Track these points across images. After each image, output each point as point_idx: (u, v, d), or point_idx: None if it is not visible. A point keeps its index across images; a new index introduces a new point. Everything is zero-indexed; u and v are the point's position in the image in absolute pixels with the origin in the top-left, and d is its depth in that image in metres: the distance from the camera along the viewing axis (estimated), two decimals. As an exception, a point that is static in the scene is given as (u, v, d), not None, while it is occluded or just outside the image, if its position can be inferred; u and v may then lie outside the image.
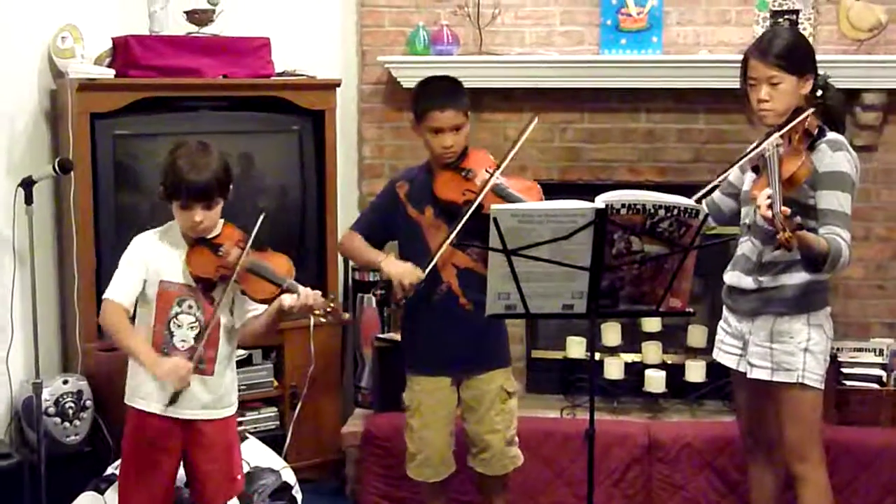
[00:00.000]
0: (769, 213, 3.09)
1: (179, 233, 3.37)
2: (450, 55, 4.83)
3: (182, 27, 4.64)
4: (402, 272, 3.61)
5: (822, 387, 3.50)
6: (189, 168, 3.24)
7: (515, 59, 4.88)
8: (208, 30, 4.65)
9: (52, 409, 4.10)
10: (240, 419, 4.57)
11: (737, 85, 3.56)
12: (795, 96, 3.43)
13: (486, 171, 3.65)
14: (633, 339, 4.98)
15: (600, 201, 2.99)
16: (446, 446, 3.84)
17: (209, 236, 3.34)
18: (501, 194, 3.60)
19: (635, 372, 4.90)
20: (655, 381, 4.79)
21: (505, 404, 3.81)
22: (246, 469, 4.19)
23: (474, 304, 3.67)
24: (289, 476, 4.25)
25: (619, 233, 3.02)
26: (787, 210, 3.07)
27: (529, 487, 4.38)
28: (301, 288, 3.30)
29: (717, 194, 3.70)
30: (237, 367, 4.54)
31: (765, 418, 3.66)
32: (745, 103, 3.54)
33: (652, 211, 3.00)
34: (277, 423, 4.75)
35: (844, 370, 4.55)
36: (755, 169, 3.44)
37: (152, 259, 3.35)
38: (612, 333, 4.93)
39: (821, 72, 3.49)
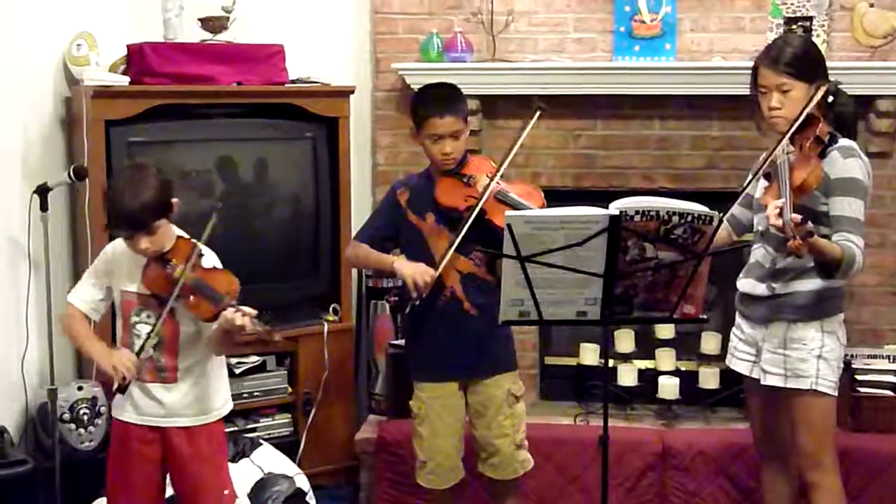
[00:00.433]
0: (779, 222, 3.09)
1: None
2: (463, 62, 4.84)
3: (196, 34, 4.66)
4: (415, 271, 3.60)
5: (836, 394, 3.49)
6: (117, 202, 3.19)
7: (529, 66, 4.88)
8: (222, 37, 4.66)
9: (66, 416, 4.11)
10: (253, 425, 4.62)
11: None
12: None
13: (487, 176, 3.65)
14: (646, 346, 4.98)
15: (614, 208, 2.99)
16: (455, 453, 3.83)
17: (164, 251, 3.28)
18: (504, 199, 3.60)
19: (649, 379, 4.90)
20: (669, 387, 4.79)
21: (513, 408, 3.81)
22: (259, 475, 4.20)
23: (478, 308, 3.68)
24: (303, 482, 4.26)
25: (633, 239, 3.02)
26: (798, 217, 3.07)
27: (543, 494, 4.39)
28: (236, 310, 3.14)
29: (735, 207, 3.69)
30: (250, 374, 4.61)
31: (778, 425, 3.65)
32: (755, 110, 3.54)
33: (666, 217, 3.00)
34: (291, 429, 4.75)
35: (858, 377, 4.54)
36: (767, 176, 3.43)
37: (116, 268, 3.36)
38: (625, 340, 4.92)
39: (832, 78, 3.49)
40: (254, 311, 3.14)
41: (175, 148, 4.51)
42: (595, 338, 4.89)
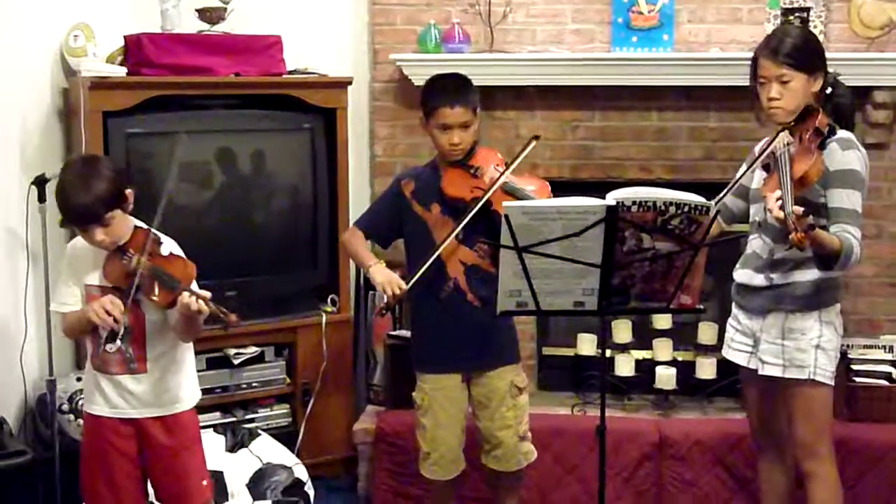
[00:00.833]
0: (781, 214, 3.09)
1: None
2: (461, 53, 4.83)
3: (194, 25, 4.65)
4: (386, 281, 3.61)
5: (833, 383, 3.50)
6: (68, 195, 3.16)
7: (526, 56, 4.88)
8: (220, 28, 4.66)
9: (65, 407, 4.12)
10: (252, 416, 4.63)
11: (748, 83, 3.57)
12: (806, 94, 3.42)
13: (496, 168, 3.66)
14: (643, 337, 4.98)
15: (611, 198, 3.00)
16: (458, 444, 3.84)
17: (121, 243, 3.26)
18: (511, 192, 3.60)
19: (646, 369, 4.90)
20: (666, 378, 4.80)
21: (516, 400, 3.82)
22: (258, 466, 4.21)
23: (481, 300, 3.69)
24: (301, 472, 4.27)
25: (631, 230, 3.03)
26: (800, 209, 3.07)
27: (540, 484, 4.40)
28: (192, 294, 3.12)
29: (728, 198, 3.70)
30: (248, 365, 4.62)
31: (775, 415, 3.67)
32: (754, 101, 3.55)
33: (663, 208, 3.01)
34: (290, 419, 4.76)
35: (855, 367, 4.55)
36: (766, 167, 3.44)
37: (77, 263, 3.35)
38: (622, 330, 4.93)
39: (830, 69, 3.50)
40: (208, 294, 3.12)
41: (172, 139, 4.50)
42: (592, 328, 4.89)
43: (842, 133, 3.43)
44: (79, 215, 3.17)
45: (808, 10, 4.69)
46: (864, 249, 3.35)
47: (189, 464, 3.44)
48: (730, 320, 3.73)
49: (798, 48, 3.41)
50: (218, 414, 4.58)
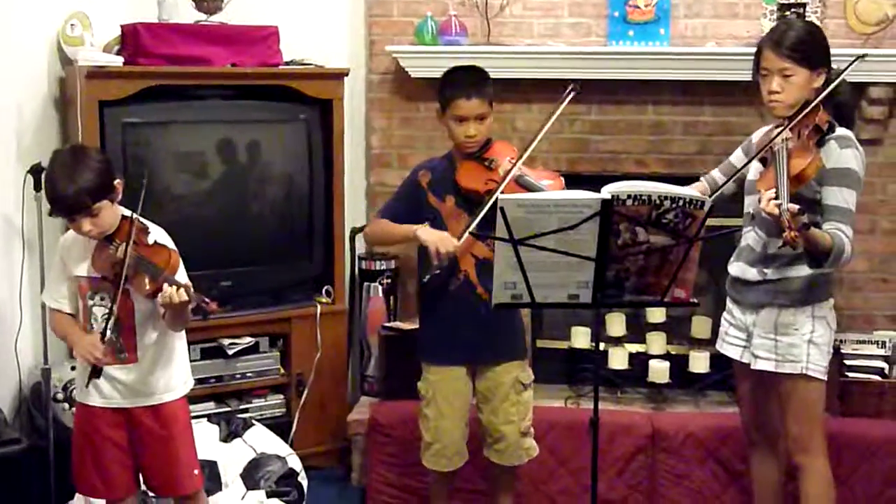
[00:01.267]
0: (775, 211, 3.09)
1: None
2: (458, 45, 4.83)
3: (190, 15, 4.65)
4: (438, 238, 3.58)
5: (826, 378, 3.51)
6: (56, 185, 3.16)
7: (523, 50, 4.88)
8: (217, 18, 4.66)
9: (60, 395, 4.13)
10: (246, 406, 4.64)
11: (744, 77, 3.57)
12: (807, 89, 3.41)
13: (510, 160, 3.65)
14: (637, 330, 5.00)
15: (606, 192, 3.00)
16: (461, 437, 3.85)
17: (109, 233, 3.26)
18: (525, 185, 3.59)
19: (640, 362, 4.91)
20: (659, 371, 4.81)
21: (520, 395, 3.82)
22: (252, 455, 4.22)
23: (490, 294, 3.69)
24: (295, 463, 4.28)
25: (625, 223, 3.03)
26: (795, 207, 3.07)
27: (534, 476, 4.40)
28: (170, 284, 3.12)
29: (716, 174, 3.71)
30: (243, 355, 4.62)
31: (768, 409, 3.68)
32: (756, 94, 3.54)
33: (657, 202, 3.01)
34: (284, 410, 4.77)
35: (847, 362, 4.56)
36: (763, 161, 3.44)
37: (68, 255, 3.35)
38: (616, 324, 4.94)
39: (833, 66, 3.49)
40: (188, 283, 3.13)
41: (169, 129, 4.51)
42: (586, 321, 4.90)
43: (840, 131, 3.42)
44: (66, 205, 3.17)
45: (804, 5, 4.68)
46: (856, 245, 3.36)
47: (180, 452, 3.44)
48: (724, 314, 3.74)
49: (802, 42, 3.40)
50: (212, 404, 4.59)
